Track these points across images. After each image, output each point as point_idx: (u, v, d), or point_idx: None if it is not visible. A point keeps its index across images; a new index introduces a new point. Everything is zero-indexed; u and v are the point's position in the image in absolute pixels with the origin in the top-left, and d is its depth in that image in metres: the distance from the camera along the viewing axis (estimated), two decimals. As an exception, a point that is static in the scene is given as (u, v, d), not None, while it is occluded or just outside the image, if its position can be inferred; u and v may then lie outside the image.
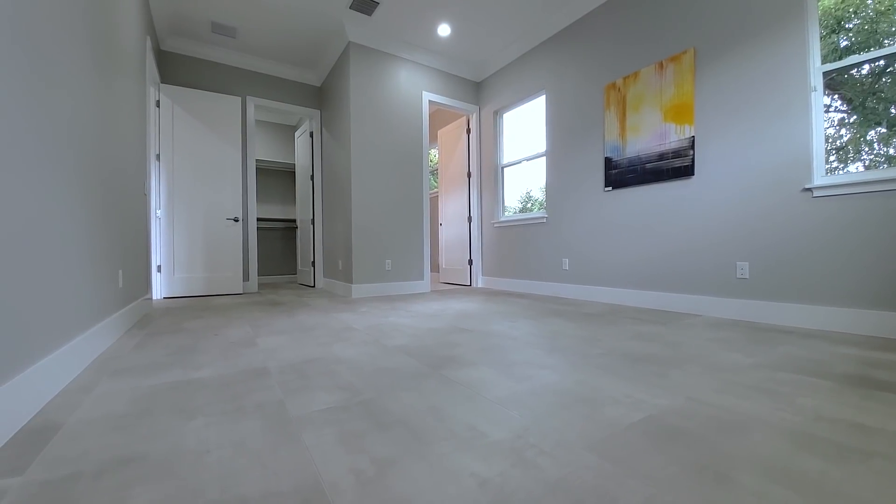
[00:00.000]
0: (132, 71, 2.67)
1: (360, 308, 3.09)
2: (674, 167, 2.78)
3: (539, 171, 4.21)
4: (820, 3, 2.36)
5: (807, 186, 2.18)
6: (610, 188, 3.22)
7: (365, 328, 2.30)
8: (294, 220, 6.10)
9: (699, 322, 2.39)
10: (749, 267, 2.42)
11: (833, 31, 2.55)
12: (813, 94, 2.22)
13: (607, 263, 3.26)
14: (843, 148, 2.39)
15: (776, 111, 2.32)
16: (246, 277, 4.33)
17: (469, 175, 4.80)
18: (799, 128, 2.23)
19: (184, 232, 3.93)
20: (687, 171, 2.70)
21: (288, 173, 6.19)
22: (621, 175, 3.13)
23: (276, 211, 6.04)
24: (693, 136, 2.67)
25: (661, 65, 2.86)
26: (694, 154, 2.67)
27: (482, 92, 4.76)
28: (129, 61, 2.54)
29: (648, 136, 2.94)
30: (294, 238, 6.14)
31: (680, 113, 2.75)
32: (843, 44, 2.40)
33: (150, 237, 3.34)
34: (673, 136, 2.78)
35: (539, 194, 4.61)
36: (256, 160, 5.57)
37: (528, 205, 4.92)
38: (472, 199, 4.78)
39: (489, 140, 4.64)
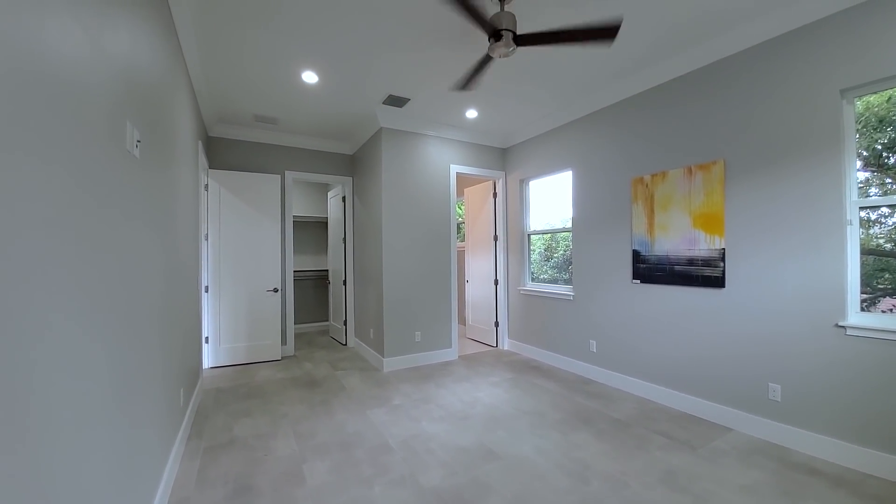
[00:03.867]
0: (191, 176, 2.94)
1: (393, 398, 3.25)
2: (704, 275, 2.79)
3: (567, 223, 4.25)
4: (863, 100, 2.29)
5: (840, 323, 2.17)
6: (638, 281, 3.24)
7: (400, 444, 2.45)
8: (326, 271, 6.35)
9: (730, 446, 2.40)
10: (781, 391, 2.41)
11: (875, 129, 2.50)
12: (849, 227, 2.20)
13: (636, 354, 3.28)
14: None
15: (809, 239, 2.30)
16: (284, 342, 4.59)
17: (496, 238, 4.89)
18: (833, 260, 2.21)
19: (228, 304, 4.21)
20: (717, 282, 2.71)
21: (319, 224, 6.46)
22: (650, 271, 3.15)
23: (308, 262, 6.31)
24: (724, 249, 2.68)
25: (689, 170, 2.87)
26: (725, 267, 2.67)
27: (508, 158, 4.85)
28: (188, 167, 2.80)
29: (677, 238, 2.95)
30: (326, 287, 6.39)
31: (709, 222, 2.76)
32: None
33: (201, 316, 3.62)
34: (703, 245, 2.79)
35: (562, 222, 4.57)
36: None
37: (553, 242, 4.85)
38: (498, 262, 4.87)
39: (515, 206, 4.72)
